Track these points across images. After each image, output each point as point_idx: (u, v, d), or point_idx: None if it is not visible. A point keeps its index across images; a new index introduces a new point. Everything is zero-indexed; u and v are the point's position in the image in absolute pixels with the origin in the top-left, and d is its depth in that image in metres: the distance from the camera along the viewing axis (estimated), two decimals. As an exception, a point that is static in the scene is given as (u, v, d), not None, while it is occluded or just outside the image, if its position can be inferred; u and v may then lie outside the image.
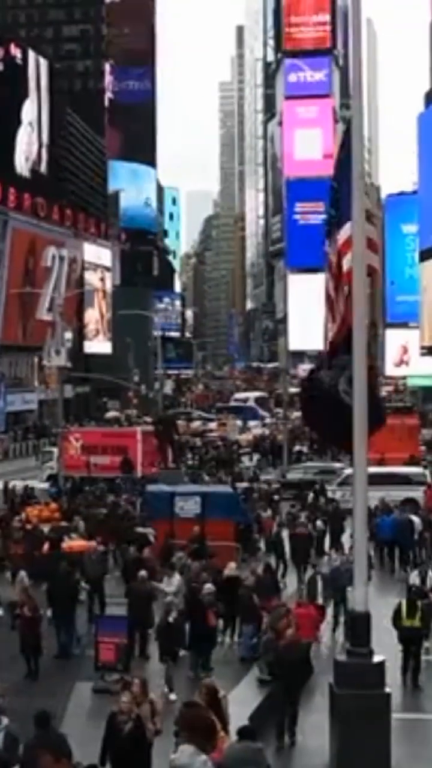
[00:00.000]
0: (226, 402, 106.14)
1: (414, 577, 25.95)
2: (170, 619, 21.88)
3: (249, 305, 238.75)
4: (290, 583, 31.68)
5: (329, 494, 43.07)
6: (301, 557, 32.51)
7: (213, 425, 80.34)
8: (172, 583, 25.51)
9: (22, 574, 27.19)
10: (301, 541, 33.00)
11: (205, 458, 59.69)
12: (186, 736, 13.82)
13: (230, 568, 26.65)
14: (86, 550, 29.86)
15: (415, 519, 35.17)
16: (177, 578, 25.74)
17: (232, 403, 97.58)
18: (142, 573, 25.26)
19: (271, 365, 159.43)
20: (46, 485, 48.48)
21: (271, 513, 39.00)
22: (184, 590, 24.90)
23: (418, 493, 42.07)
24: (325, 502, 41.21)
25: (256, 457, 63.94)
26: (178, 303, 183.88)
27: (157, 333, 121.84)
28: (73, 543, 31.84)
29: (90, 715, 19.69)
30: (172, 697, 20.43)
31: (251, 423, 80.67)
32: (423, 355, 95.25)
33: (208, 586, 24.08)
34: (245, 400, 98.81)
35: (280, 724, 18.89)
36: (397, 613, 22.26)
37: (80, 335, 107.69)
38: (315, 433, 21.00)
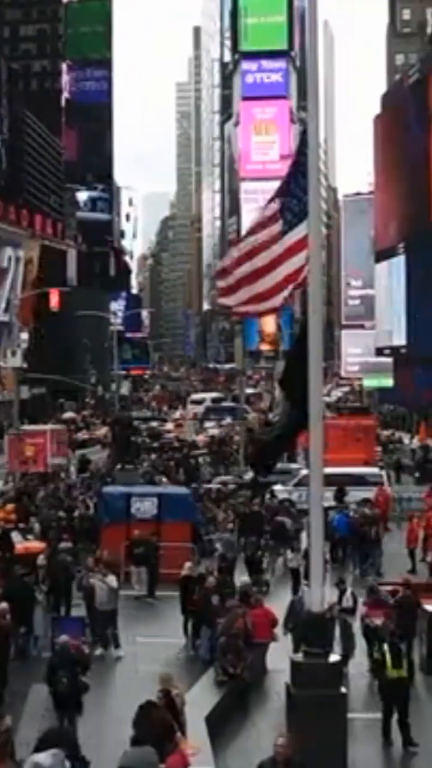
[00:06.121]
0: (183, 403, 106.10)
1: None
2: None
3: (205, 306, 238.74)
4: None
5: (285, 495, 43.28)
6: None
7: (169, 426, 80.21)
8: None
9: None
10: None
11: (163, 459, 59.47)
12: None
13: (186, 568, 26.74)
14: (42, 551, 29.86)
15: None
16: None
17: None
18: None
19: (227, 366, 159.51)
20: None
21: (226, 514, 39.09)
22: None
23: (374, 494, 42.30)
24: (279, 502, 41.63)
25: (206, 458, 63.09)
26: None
27: (117, 327, 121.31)
28: (29, 544, 31.76)
29: (47, 718, 19.61)
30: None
31: (207, 424, 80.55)
32: (378, 355, 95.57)
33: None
34: (201, 401, 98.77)
35: None
36: (380, 662, 19.77)
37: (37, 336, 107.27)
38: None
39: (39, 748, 12.24)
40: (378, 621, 22.87)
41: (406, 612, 23.61)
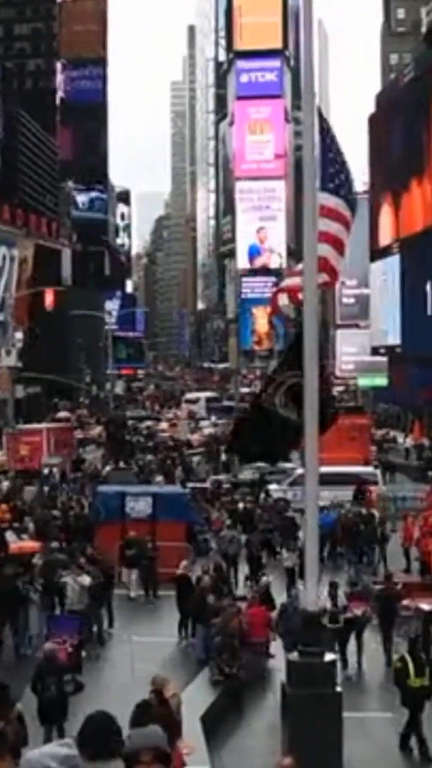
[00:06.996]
0: (177, 402, 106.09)
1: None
2: None
3: (200, 305, 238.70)
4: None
5: (280, 494, 43.31)
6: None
7: (164, 425, 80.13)
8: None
9: None
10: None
11: (157, 458, 59.30)
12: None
13: (183, 567, 26.76)
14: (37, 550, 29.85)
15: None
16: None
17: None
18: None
19: (222, 365, 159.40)
20: None
21: (219, 513, 39.06)
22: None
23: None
24: (274, 501, 41.69)
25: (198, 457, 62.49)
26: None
27: (112, 326, 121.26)
28: (23, 544, 31.73)
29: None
30: None
31: (202, 423, 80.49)
32: (373, 354, 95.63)
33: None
34: (196, 401, 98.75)
35: None
36: (402, 671, 19.21)
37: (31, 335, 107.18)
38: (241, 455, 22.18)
39: (82, 733, 12.10)
40: (358, 612, 23.70)
41: (387, 604, 24.13)
